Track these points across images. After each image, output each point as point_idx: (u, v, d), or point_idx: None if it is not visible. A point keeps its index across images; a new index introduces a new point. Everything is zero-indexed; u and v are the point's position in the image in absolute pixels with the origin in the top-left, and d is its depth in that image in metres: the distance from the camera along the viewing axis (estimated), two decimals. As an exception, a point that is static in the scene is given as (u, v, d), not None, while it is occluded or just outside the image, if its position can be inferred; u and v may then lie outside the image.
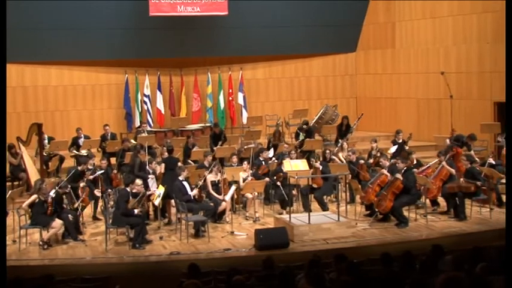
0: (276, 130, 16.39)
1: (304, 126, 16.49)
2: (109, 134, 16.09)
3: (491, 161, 12.92)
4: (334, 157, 14.13)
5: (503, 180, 13.26)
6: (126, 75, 18.52)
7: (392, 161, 12.82)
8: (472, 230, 11.60)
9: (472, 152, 14.18)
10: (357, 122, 17.15)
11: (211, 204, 12.13)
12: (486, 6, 16.86)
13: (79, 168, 12.67)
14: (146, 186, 12.08)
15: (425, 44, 18.52)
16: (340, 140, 15.77)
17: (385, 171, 12.29)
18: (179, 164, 13.00)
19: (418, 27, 18.66)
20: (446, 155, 12.91)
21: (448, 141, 14.06)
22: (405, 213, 12.04)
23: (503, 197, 13.18)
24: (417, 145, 16.80)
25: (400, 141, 14.84)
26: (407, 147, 14.50)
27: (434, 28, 18.26)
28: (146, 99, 18.50)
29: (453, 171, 12.60)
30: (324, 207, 12.75)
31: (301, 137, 16.19)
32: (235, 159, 13.62)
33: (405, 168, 11.98)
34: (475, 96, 17.27)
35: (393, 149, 14.57)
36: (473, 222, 11.99)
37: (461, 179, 12.37)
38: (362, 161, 13.50)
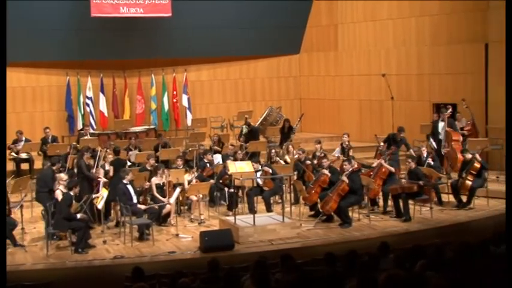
0: (215, 137, 16.24)
1: (245, 127, 16.52)
2: (50, 137, 15.75)
3: (430, 161, 13.22)
4: (278, 159, 14.21)
5: (444, 180, 13.67)
6: (68, 77, 18.17)
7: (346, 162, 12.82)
8: (413, 228, 11.83)
9: (411, 151, 14.48)
10: (298, 123, 17.23)
11: (156, 207, 12.02)
12: (424, 9, 17.27)
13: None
14: (91, 190, 11.87)
15: (367, 46, 18.83)
16: (284, 144, 15.84)
17: (325, 172, 12.43)
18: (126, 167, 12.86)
19: (360, 30, 18.96)
20: (385, 154, 13.16)
21: (382, 144, 14.30)
22: (349, 213, 12.19)
23: (445, 197, 13.54)
24: (359, 146, 17.07)
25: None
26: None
27: (375, 31, 18.58)
28: (89, 101, 18.19)
29: (392, 169, 12.84)
30: (269, 208, 12.79)
31: (245, 129, 16.20)
32: (180, 161, 13.53)
33: (351, 170, 12.12)
34: (415, 97, 17.66)
35: (337, 151, 14.71)
36: (414, 221, 12.22)
37: (404, 180, 12.59)
38: (308, 162, 13.60)
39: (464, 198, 13.08)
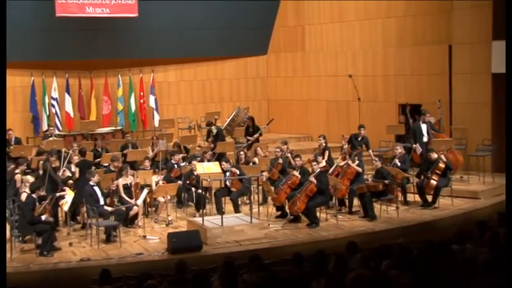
0: (175, 143, 16.13)
1: (211, 127, 16.46)
2: (13, 139, 15.50)
3: (397, 162, 13.37)
4: (249, 159, 14.24)
5: (411, 179, 13.82)
6: (32, 77, 17.92)
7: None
8: (379, 228, 11.97)
9: (370, 151, 14.62)
10: (266, 126, 17.11)
11: (123, 208, 11.93)
12: (390, 11, 17.46)
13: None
14: (55, 192, 11.73)
15: (334, 47, 18.96)
16: (249, 139, 15.90)
17: (295, 173, 12.48)
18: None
19: (327, 31, 19.08)
20: (353, 154, 13.26)
21: (346, 145, 14.42)
22: (317, 213, 12.26)
23: (411, 196, 13.71)
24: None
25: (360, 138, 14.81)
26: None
27: (342, 32, 18.72)
28: (54, 102, 17.97)
29: (360, 169, 12.95)
30: (237, 208, 12.80)
31: (214, 130, 16.16)
32: (147, 163, 13.46)
33: (319, 171, 12.19)
34: (381, 98, 17.84)
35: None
36: (380, 221, 12.36)
37: (370, 179, 12.73)
38: (280, 161, 13.63)
39: (429, 198, 13.27)
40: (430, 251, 6.33)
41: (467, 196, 13.89)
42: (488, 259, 5.49)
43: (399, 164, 13.34)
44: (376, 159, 12.95)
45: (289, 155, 13.94)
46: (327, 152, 14.13)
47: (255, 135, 16.16)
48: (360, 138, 14.82)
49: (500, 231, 6.96)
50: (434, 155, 13.20)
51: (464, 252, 6.80)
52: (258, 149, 14.94)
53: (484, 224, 7.97)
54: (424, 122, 14.74)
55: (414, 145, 14.40)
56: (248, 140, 16.10)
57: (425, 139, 14.64)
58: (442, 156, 13.11)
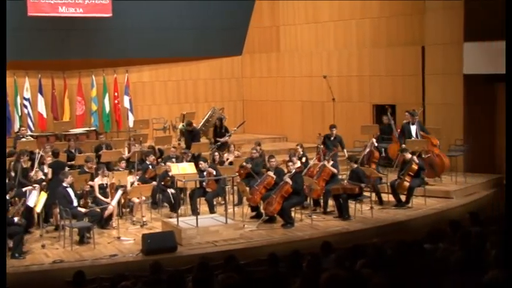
0: (150, 146, 16.06)
1: (188, 127, 16.40)
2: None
3: (374, 142, 13.42)
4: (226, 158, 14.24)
5: (384, 180, 13.93)
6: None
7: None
8: (354, 228, 12.04)
9: (345, 151, 14.71)
10: (236, 129, 17.00)
11: (97, 209, 11.85)
12: (364, 12, 17.57)
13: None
14: (25, 194, 11.60)
15: (309, 48, 19.03)
16: (218, 139, 15.85)
17: (271, 174, 12.50)
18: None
19: (302, 32, 19.15)
20: (329, 155, 13.31)
21: (321, 146, 14.47)
22: (292, 213, 12.29)
23: (385, 196, 13.82)
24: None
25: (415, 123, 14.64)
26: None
27: (316, 32, 18.80)
28: (26, 103, 17.77)
29: (335, 170, 13.01)
30: (213, 209, 12.79)
31: (181, 127, 16.08)
32: (123, 163, 13.39)
33: (294, 171, 12.23)
34: (356, 99, 17.95)
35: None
36: (355, 221, 12.43)
37: (345, 181, 12.76)
38: (249, 165, 13.64)
39: (403, 198, 13.38)
40: (404, 251, 6.40)
41: (440, 196, 14.03)
42: (460, 258, 5.56)
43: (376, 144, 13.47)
44: (348, 160, 13.00)
45: (257, 154, 13.88)
46: (303, 159, 14.17)
47: (225, 138, 16.02)
48: (333, 138, 14.89)
49: (472, 231, 7.06)
50: (408, 155, 13.32)
51: (436, 251, 6.87)
52: (232, 147, 14.92)
53: (456, 223, 8.07)
54: (413, 123, 14.64)
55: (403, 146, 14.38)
56: (217, 141, 16.00)
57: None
58: (415, 158, 13.21)
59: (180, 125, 16.28)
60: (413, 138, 14.47)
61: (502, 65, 14.50)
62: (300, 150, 14.21)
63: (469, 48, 14.94)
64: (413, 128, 14.60)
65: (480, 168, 15.32)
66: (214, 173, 12.97)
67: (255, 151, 13.86)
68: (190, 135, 16.07)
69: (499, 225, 8.38)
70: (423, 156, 14.15)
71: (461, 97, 15.44)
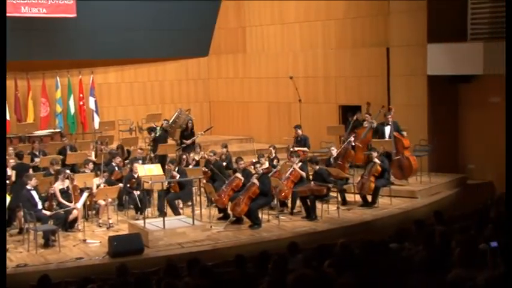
0: (118, 145, 15.96)
1: (164, 123, 16.28)
2: None
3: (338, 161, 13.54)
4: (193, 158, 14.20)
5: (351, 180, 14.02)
6: (-34, 78, 17.35)
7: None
8: (321, 228, 12.11)
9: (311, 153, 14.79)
10: (202, 133, 16.88)
11: (62, 212, 11.70)
12: (330, 13, 17.67)
13: None
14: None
15: (275, 49, 19.07)
16: (184, 141, 15.75)
17: (239, 176, 12.49)
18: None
19: (268, 33, 19.19)
20: (298, 157, 13.34)
21: (292, 147, 14.51)
22: (259, 214, 12.31)
23: (351, 196, 13.93)
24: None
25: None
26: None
27: (282, 34, 18.85)
28: (-11, 104, 17.44)
29: (303, 173, 13.06)
30: (176, 211, 12.72)
31: (158, 131, 15.98)
32: (91, 165, 13.25)
33: (262, 173, 12.24)
34: (322, 100, 18.05)
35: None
36: (322, 221, 12.51)
37: (312, 182, 12.81)
38: (206, 169, 13.63)
39: (369, 198, 13.50)
40: (370, 250, 6.46)
41: (405, 196, 14.19)
42: (424, 257, 5.63)
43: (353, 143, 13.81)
44: (311, 162, 13.03)
45: (214, 157, 13.84)
46: (275, 161, 14.20)
47: (189, 140, 15.90)
48: (299, 139, 14.93)
49: (436, 230, 7.16)
50: (374, 155, 13.43)
51: (402, 251, 6.96)
52: (198, 148, 14.88)
53: (421, 222, 8.18)
54: (387, 124, 14.57)
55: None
56: (182, 143, 15.90)
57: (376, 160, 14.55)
58: (377, 160, 13.31)
59: (158, 129, 16.06)
60: (386, 139, 14.47)
61: (465, 66, 14.88)
62: (273, 151, 14.24)
63: (433, 50, 15.14)
64: (387, 129, 14.57)
65: (444, 168, 15.54)
66: (178, 176, 12.92)
67: (211, 154, 13.79)
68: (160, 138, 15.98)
69: (462, 223, 8.52)
70: (393, 157, 14.30)
71: (425, 98, 15.63)
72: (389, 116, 14.64)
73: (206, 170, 13.58)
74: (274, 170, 13.18)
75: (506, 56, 8.76)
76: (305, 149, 14.81)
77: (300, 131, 14.99)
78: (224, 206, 12.59)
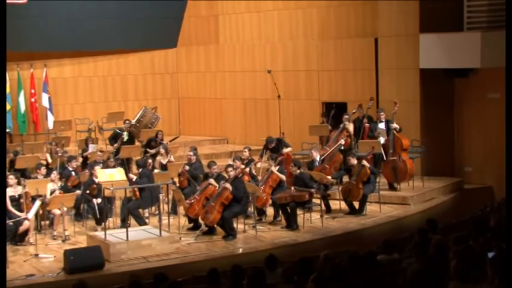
0: (87, 138, 15.92)
1: (125, 125, 16.18)
2: None
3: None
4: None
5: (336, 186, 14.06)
6: None
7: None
8: (302, 239, 12.13)
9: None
10: (169, 142, 16.71)
11: (11, 223, 11.57)
12: (311, 1, 17.72)
13: None
14: None
15: (251, 39, 19.09)
16: (148, 150, 15.63)
17: (212, 182, 12.41)
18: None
19: (243, 22, 19.19)
20: (276, 160, 13.33)
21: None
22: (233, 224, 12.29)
23: (336, 203, 13.96)
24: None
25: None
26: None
27: (259, 23, 18.87)
28: None
29: (283, 177, 13.06)
30: (140, 221, 12.64)
31: (126, 137, 15.85)
32: (43, 170, 13.13)
33: (234, 175, 12.22)
34: (303, 96, 18.10)
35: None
36: (304, 231, 12.53)
37: (292, 188, 12.81)
38: (187, 167, 13.59)
39: (356, 205, 13.55)
40: (357, 263, 6.47)
41: (396, 202, 14.27)
42: (417, 270, 5.65)
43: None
44: (292, 164, 13.05)
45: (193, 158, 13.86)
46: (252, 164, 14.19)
47: (154, 150, 15.76)
48: (272, 147, 14.87)
49: (430, 240, 7.19)
50: (354, 161, 13.47)
51: (392, 263, 6.98)
52: (162, 150, 14.75)
53: (414, 232, 8.21)
54: (381, 121, 14.67)
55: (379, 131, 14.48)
56: (146, 152, 15.76)
57: (382, 141, 14.58)
58: (364, 162, 13.36)
59: (125, 134, 15.90)
60: (383, 139, 14.52)
61: (462, 59, 15.01)
62: (247, 153, 14.23)
63: (426, 40, 15.25)
64: (382, 126, 14.69)
65: (438, 171, 15.66)
66: (134, 179, 12.85)
67: (191, 154, 13.76)
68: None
69: (459, 233, 8.57)
70: (385, 158, 14.38)
71: (418, 94, 15.74)
72: (382, 114, 14.81)
73: (185, 170, 13.45)
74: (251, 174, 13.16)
75: (506, 48, 8.84)
76: (289, 149, 14.81)
77: (273, 144, 14.81)
78: (196, 216, 12.53)
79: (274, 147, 14.66)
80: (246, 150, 14.28)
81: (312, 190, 12.63)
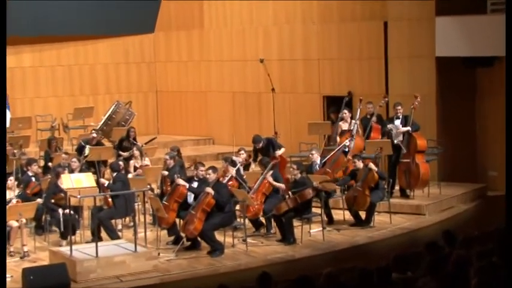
0: (50, 138, 15.87)
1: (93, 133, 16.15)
2: None
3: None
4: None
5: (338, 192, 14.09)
6: None
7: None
8: (301, 254, 12.16)
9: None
10: (144, 144, 16.64)
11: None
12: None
13: None
14: None
15: (241, 24, 19.08)
16: (121, 153, 15.60)
17: (181, 182, 12.40)
18: None
19: (232, 3, 19.18)
20: (268, 164, 13.33)
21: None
22: (219, 237, 12.30)
23: (339, 213, 13.98)
24: (231, 151, 17.07)
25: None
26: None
27: (250, 4, 18.86)
28: None
29: (282, 186, 13.03)
30: (113, 234, 12.63)
31: (87, 151, 15.77)
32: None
33: (215, 178, 12.22)
34: (301, 89, 18.10)
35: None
36: (302, 246, 12.54)
37: (288, 198, 12.78)
38: (165, 172, 13.59)
39: (363, 215, 13.57)
40: (365, 282, 6.46)
41: (409, 212, 14.30)
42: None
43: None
44: (294, 166, 13.05)
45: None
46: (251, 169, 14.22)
47: (128, 153, 15.73)
48: (260, 147, 14.85)
49: (447, 255, 7.20)
50: (360, 164, 13.48)
51: (405, 282, 6.99)
52: (136, 152, 14.75)
53: (430, 246, 8.23)
54: (397, 117, 14.67)
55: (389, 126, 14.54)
56: (119, 155, 15.72)
57: (398, 140, 14.56)
58: (371, 165, 13.38)
59: (88, 149, 15.83)
60: (398, 138, 14.53)
61: (485, 46, 15.04)
62: (244, 155, 14.22)
63: (443, 24, 15.28)
64: (398, 124, 14.64)
65: (458, 176, 15.68)
66: (106, 184, 12.83)
67: (167, 157, 13.78)
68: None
69: (482, 247, 8.59)
70: (400, 160, 14.41)
71: (433, 86, 15.78)
72: (399, 108, 14.70)
73: (165, 176, 13.48)
74: (227, 178, 13.06)
75: (506, 49, 8.82)
76: (282, 150, 14.82)
77: (260, 144, 14.83)
78: (169, 224, 12.56)
79: (263, 148, 14.66)
80: (243, 152, 14.25)
81: (315, 183, 12.59)
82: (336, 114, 16.07)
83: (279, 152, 14.63)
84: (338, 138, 15.01)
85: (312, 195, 12.63)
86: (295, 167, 13.09)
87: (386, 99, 15.72)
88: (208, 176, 12.33)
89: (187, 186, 12.42)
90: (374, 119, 15.37)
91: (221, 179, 12.62)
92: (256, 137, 15.00)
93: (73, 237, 12.23)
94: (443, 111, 15.82)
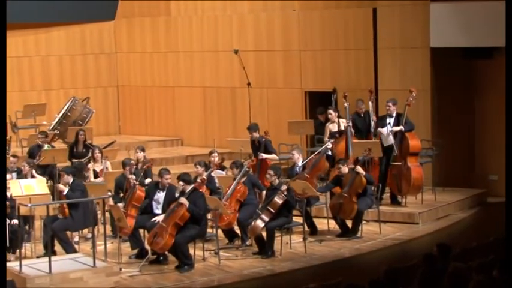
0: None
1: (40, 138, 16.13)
2: None
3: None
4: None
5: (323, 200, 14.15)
6: None
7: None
8: (280, 269, 12.18)
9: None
10: (102, 149, 16.57)
11: None
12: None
13: None
14: None
15: (213, 10, 19.08)
16: (75, 160, 15.57)
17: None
18: None
19: (202, -13, 19.22)
20: (242, 166, 13.38)
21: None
22: (189, 250, 12.32)
23: (323, 222, 14.04)
24: (203, 153, 17.07)
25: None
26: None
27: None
28: None
29: (273, 156, 13.07)
30: (68, 247, 12.60)
31: (47, 147, 15.75)
32: None
33: (192, 188, 12.21)
34: (281, 83, 18.13)
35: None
36: (282, 259, 12.57)
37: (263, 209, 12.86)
38: (130, 176, 13.53)
39: (349, 224, 13.63)
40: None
41: (401, 221, 14.38)
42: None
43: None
44: (271, 172, 13.02)
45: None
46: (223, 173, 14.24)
47: (84, 159, 15.65)
48: (256, 144, 14.92)
49: (442, 269, 7.26)
50: (345, 169, 13.54)
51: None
52: (97, 154, 14.76)
53: (426, 258, 8.30)
54: (390, 115, 14.71)
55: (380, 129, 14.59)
56: (73, 164, 15.66)
57: (390, 141, 14.61)
58: (359, 168, 13.43)
59: (46, 146, 15.80)
60: (389, 140, 14.62)
61: (484, 35, 15.14)
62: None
63: (439, 11, 15.38)
64: (389, 127, 14.70)
65: (455, 180, 15.80)
66: (65, 192, 12.81)
67: (130, 162, 13.80)
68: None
69: (481, 259, 8.67)
70: (391, 162, 14.52)
71: (428, 80, 15.86)
72: (391, 104, 14.70)
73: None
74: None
75: (506, 46, 8.91)
76: (273, 156, 14.86)
77: (256, 134, 14.92)
78: (126, 234, 12.57)
79: (259, 143, 14.78)
80: (215, 154, 14.26)
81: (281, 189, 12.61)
82: (323, 116, 16.10)
83: (263, 155, 14.65)
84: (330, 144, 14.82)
85: (283, 201, 12.61)
86: (272, 172, 13.03)
87: (373, 95, 15.65)
88: (180, 185, 12.29)
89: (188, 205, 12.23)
90: (374, 117, 15.28)
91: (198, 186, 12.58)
92: (253, 125, 15.10)
93: (22, 251, 12.14)
94: (438, 108, 15.91)
